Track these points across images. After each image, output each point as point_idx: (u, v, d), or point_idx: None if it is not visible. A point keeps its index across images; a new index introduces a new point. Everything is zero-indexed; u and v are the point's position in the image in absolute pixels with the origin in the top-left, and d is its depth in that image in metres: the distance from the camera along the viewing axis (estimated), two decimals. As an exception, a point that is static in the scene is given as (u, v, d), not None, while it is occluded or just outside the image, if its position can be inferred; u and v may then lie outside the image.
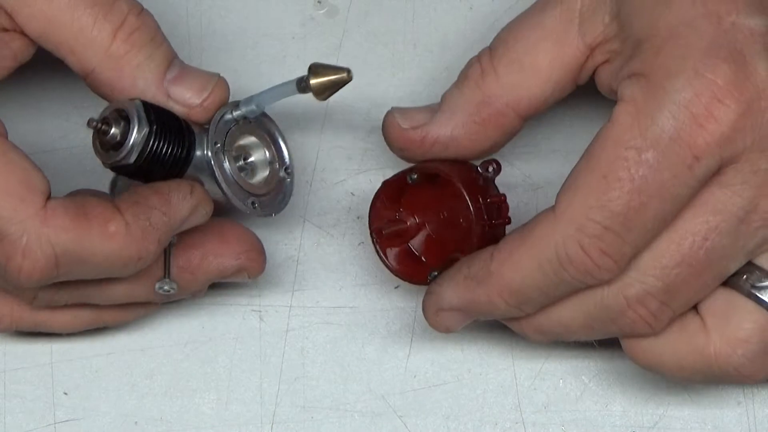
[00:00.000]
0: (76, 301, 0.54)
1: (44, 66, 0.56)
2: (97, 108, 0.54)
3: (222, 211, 0.55)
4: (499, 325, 0.59)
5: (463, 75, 0.55)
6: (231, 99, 0.61)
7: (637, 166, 0.48)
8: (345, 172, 0.61)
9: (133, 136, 0.51)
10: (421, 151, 0.55)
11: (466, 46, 0.63)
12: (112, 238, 0.50)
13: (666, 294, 0.50)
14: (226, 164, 0.54)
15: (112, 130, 0.52)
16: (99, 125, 0.51)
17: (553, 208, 0.50)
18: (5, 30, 0.53)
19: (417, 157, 0.55)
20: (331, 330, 0.59)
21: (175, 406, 0.58)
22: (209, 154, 0.53)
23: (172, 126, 0.53)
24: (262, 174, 0.56)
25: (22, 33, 0.53)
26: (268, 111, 0.56)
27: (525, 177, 0.61)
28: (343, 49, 0.63)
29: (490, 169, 0.56)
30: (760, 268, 0.51)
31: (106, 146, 0.52)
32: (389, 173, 0.61)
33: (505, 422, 0.58)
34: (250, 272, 0.56)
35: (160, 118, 0.52)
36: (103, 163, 0.52)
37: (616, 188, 0.48)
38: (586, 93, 0.63)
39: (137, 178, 0.53)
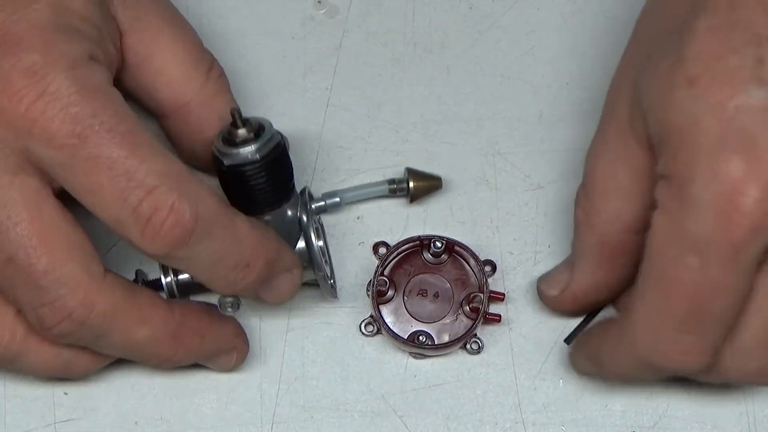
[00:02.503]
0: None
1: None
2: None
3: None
4: (499, 326, 0.59)
5: (575, 222, 0.56)
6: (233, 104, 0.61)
7: (683, 272, 0.48)
8: (345, 172, 0.61)
9: (269, 134, 0.53)
10: (574, 307, 0.58)
11: (466, 46, 0.63)
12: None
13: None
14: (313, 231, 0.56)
15: (244, 130, 0.53)
16: (238, 116, 0.53)
17: (622, 319, 0.52)
18: (116, 48, 0.54)
19: (573, 311, 0.58)
20: (331, 330, 0.59)
21: (175, 406, 0.58)
22: (304, 216, 0.55)
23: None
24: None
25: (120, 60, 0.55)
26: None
27: (525, 177, 0.61)
28: (343, 49, 0.63)
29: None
30: None
31: (232, 141, 0.53)
32: (389, 173, 0.61)
33: (505, 422, 0.58)
34: (239, 355, 0.57)
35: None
36: (222, 158, 0.53)
37: (673, 297, 0.49)
38: (585, 91, 0.63)
39: (235, 192, 0.54)
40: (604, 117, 0.55)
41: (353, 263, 0.60)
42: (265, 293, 0.54)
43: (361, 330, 0.59)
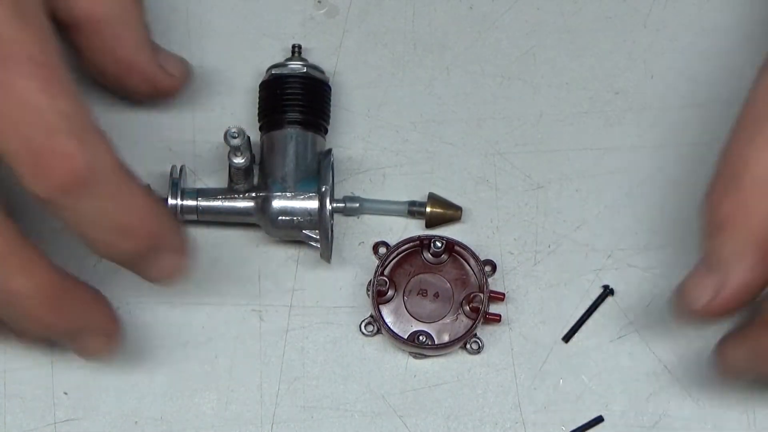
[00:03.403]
0: None
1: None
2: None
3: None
4: (499, 326, 0.59)
5: (717, 220, 0.51)
6: (232, 97, 0.61)
7: None
8: (345, 172, 0.61)
9: (319, 72, 0.60)
10: (724, 313, 0.52)
11: (466, 46, 0.63)
12: None
13: None
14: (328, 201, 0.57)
15: (299, 63, 0.60)
16: (298, 50, 0.61)
17: None
18: None
19: (720, 318, 0.53)
20: (331, 330, 0.59)
21: (175, 406, 0.58)
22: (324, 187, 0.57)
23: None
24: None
25: None
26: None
27: (525, 177, 0.61)
28: (343, 49, 0.63)
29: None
30: None
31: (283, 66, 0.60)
32: (389, 173, 0.61)
33: (505, 422, 0.58)
34: (111, 340, 0.55)
35: None
36: (270, 70, 0.60)
37: None
38: (585, 91, 0.63)
39: (270, 99, 0.59)
40: (753, 108, 0.51)
41: (353, 263, 0.60)
42: (146, 269, 0.52)
43: (361, 330, 0.59)
